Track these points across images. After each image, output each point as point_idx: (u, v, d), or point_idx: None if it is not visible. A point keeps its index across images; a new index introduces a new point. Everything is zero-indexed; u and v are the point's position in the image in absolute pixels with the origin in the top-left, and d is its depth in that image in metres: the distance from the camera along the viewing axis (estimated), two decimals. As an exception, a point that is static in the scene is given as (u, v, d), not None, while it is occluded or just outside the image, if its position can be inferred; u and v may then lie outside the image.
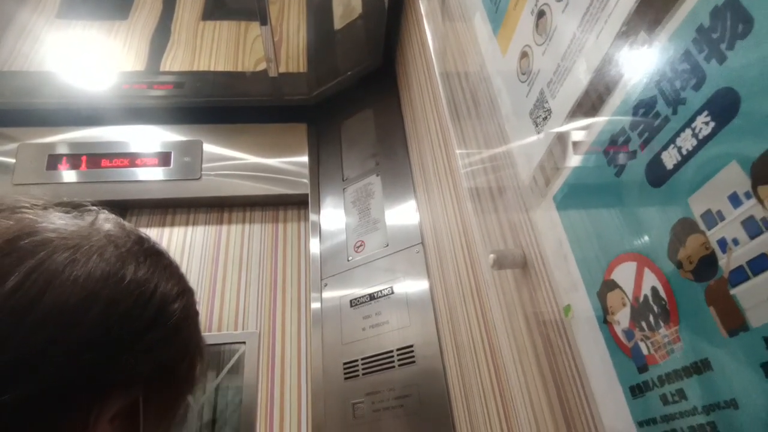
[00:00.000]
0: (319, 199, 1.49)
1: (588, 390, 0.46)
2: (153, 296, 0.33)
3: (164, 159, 1.51)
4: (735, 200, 0.28)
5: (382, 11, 1.40)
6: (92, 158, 1.48)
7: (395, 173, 1.37)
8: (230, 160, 1.55)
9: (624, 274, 0.38)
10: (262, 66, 1.57)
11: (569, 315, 0.48)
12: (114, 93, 1.54)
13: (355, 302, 1.25)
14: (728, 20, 0.28)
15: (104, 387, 0.30)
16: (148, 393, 0.33)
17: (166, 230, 1.49)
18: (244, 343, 1.35)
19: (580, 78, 0.43)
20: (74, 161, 1.48)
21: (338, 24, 1.53)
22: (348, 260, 1.33)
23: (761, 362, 0.26)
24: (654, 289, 0.35)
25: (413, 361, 1.10)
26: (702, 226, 0.30)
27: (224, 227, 1.53)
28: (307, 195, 1.50)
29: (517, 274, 0.64)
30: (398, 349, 1.13)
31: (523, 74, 0.55)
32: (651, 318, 0.35)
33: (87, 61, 1.54)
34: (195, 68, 1.59)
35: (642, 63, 0.35)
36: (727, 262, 0.29)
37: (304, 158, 1.57)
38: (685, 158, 0.31)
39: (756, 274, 0.27)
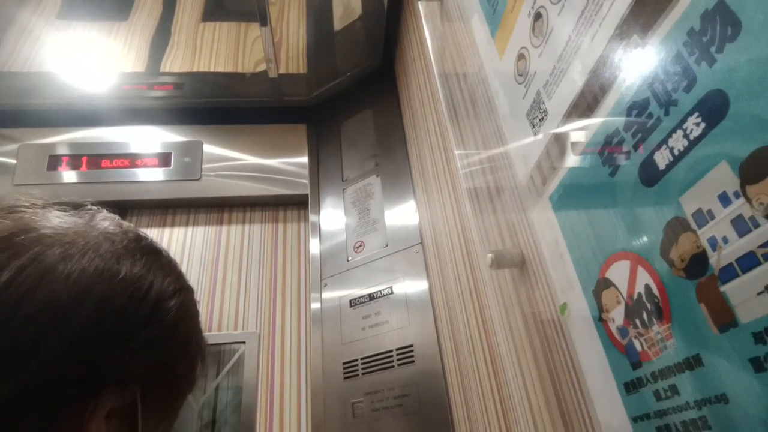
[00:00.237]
0: (319, 200, 1.50)
1: (584, 387, 0.46)
2: (148, 293, 0.33)
3: (164, 159, 1.52)
4: (725, 199, 0.28)
5: (381, 13, 1.41)
6: (93, 159, 1.49)
7: (395, 174, 1.38)
8: (230, 160, 1.56)
9: (618, 273, 0.39)
10: (261, 67, 1.58)
11: (565, 313, 0.49)
12: (114, 94, 1.55)
13: (354, 302, 1.26)
14: (718, 23, 0.28)
15: (98, 383, 0.29)
16: (146, 392, 0.32)
17: (166, 231, 1.50)
18: (243, 343, 1.35)
19: (575, 79, 0.44)
20: (75, 162, 1.48)
21: (338, 25, 1.54)
22: (348, 260, 1.34)
23: (750, 357, 0.27)
24: (647, 287, 0.36)
25: (412, 361, 1.10)
26: (693, 225, 0.31)
27: (224, 228, 1.53)
28: (306, 195, 1.51)
29: (515, 274, 0.64)
30: (397, 349, 1.13)
31: (520, 76, 0.56)
32: (644, 315, 0.36)
33: (87, 61, 1.54)
34: (195, 69, 1.60)
35: (635, 65, 0.36)
36: (717, 260, 0.29)
37: (304, 159, 1.57)
38: (677, 158, 0.32)
39: (745, 271, 0.27)
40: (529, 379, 0.60)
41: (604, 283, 0.41)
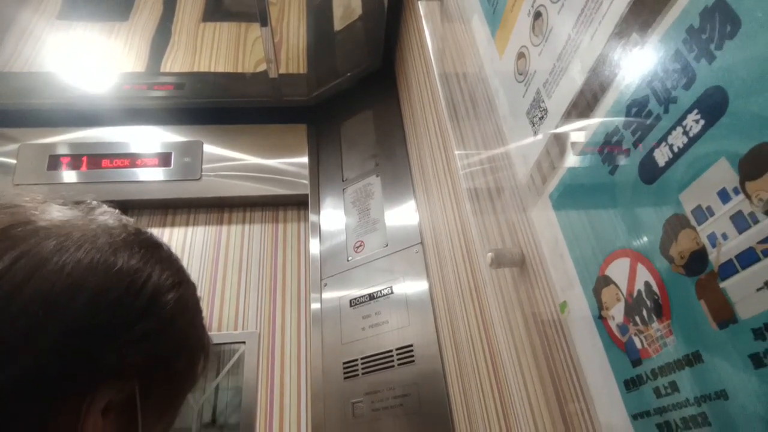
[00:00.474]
0: (319, 200, 1.50)
1: (584, 385, 0.46)
2: (145, 285, 0.33)
3: (164, 159, 1.52)
4: (724, 196, 0.28)
5: (381, 13, 1.41)
6: (93, 159, 1.49)
7: (395, 174, 1.38)
8: (230, 160, 1.56)
9: (618, 270, 0.39)
10: (262, 67, 1.58)
11: (565, 312, 0.49)
12: (114, 94, 1.55)
13: (354, 302, 1.26)
14: (717, 21, 0.28)
15: (94, 376, 0.29)
16: (145, 387, 0.32)
17: (167, 230, 1.50)
18: (244, 342, 1.35)
19: (575, 78, 0.44)
20: (75, 162, 1.48)
21: (338, 25, 1.54)
22: (348, 260, 1.34)
23: (749, 353, 0.27)
24: (647, 284, 0.36)
25: (412, 361, 1.10)
26: (693, 222, 0.31)
27: (224, 227, 1.53)
28: (306, 195, 1.51)
29: (515, 273, 0.64)
30: (397, 349, 1.13)
31: (520, 75, 0.56)
32: (644, 312, 0.36)
33: (88, 62, 1.54)
34: (195, 69, 1.60)
35: (635, 63, 0.36)
36: (716, 257, 0.29)
37: (304, 159, 1.57)
38: (677, 156, 0.32)
39: (744, 267, 0.27)
40: (529, 378, 0.60)
41: (604, 281, 0.41)
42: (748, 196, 0.27)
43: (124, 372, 0.31)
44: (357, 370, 1.17)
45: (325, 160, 1.57)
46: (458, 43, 0.85)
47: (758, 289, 0.26)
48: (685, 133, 0.31)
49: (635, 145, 0.36)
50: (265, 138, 1.61)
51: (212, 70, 1.63)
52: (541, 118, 0.51)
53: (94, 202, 0.37)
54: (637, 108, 0.36)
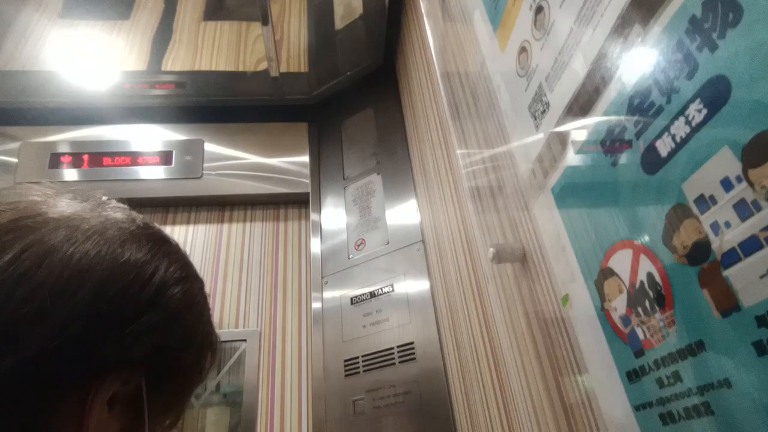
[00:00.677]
0: (320, 198, 1.50)
1: (586, 378, 0.46)
2: (152, 278, 0.33)
3: (166, 158, 1.52)
4: (727, 184, 0.28)
5: (382, 11, 1.41)
6: (94, 157, 1.49)
7: (396, 172, 1.38)
8: (231, 159, 1.56)
9: (620, 262, 0.39)
10: (263, 66, 1.58)
11: (567, 305, 0.49)
12: (116, 92, 1.55)
13: (355, 300, 1.26)
14: (719, 10, 0.28)
15: (99, 366, 0.29)
16: (151, 380, 0.32)
17: (168, 229, 1.50)
18: (245, 340, 1.35)
19: (577, 71, 0.44)
20: (76, 160, 1.49)
21: (339, 24, 1.55)
22: (349, 258, 1.34)
23: (753, 341, 0.27)
24: (650, 275, 0.36)
25: (413, 358, 1.10)
26: (695, 211, 0.31)
27: (225, 226, 1.53)
28: (307, 194, 1.51)
29: (516, 268, 0.65)
30: (399, 346, 1.13)
31: (522, 69, 0.56)
32: (647, 303, 0.36)
33: (89, 60, 1.55)
34: (196, 68, 1.60)
35: (637, 54, 0.36)
36: (719, 245, 0.29)
37: (305, 157, 1.58)
38: (679, 145, 0.32)
39: (747, 255, 0.27)
40: (531, 374, 0.60)
41: (606, 273, 0.41)
42: (751, 184, 0.27)
43: (130, 363, 0.31)
44: (358, 367, 1.17)
45: (326, 159, 1.57)
46: (460, 40, 0.85)
47: (761, 276, 0.26)
48: (688, 122, 0.31)
49: (637, 136, 0.36)
50: (266, 136, 1.61)
51: (213, 68, 1.63)
52: (543, 112, 0.51)
53: (104, 197, 0.37)
54: (639, 99, 0.36)
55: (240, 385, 1.30)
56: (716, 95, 0.29)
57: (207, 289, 0.41)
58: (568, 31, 0.45)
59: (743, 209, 0.27)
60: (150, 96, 1.57)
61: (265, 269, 1.47)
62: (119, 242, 0.33)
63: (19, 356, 0.27)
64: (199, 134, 1.58)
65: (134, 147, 1.53)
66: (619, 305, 0.40)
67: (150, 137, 1.56)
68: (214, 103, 1.62)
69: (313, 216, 1.47)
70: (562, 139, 0.48)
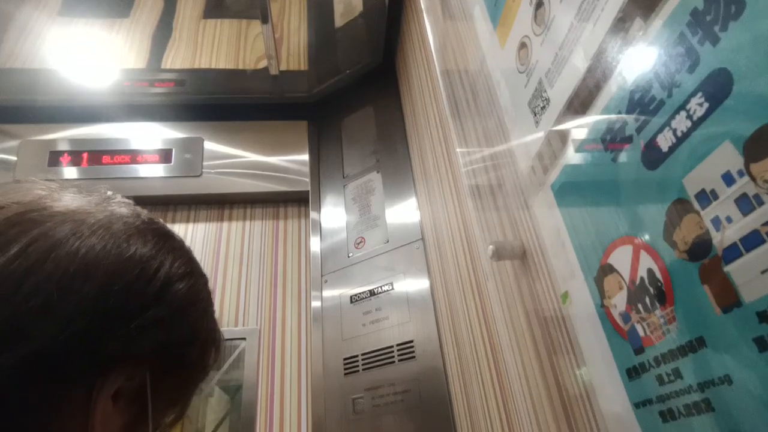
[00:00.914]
0: (320, 196, 1.50)
1: (585, 376, 0.46)
2: (157, 273, 0.33)
3: (165, 156, 1.52)
4: (728, 179, 0.28)
5: (382, 9, 1.41)
6: (93, 155, 1.49)
7: (396, 170, 1.38)
8: (231, 157, 1.56)
9: (621, 258, 0.39)
10: (263, 64, 1.58)
11: (567, 302, 0.49)
12: (115, 90, 1.55)
13: (355, 298, 1.25)
14: (721, 2, 0.28)
15: (104, 360, 0.29)
16: (155, 376, 0.32)
17: (167, 227, 1.49)
18: (244, 339, 1.35)
19: (577, 66, 0.44)
20: (76, 158, 1.48)
21: (339, 22, 1.54)
22: (348, 256, 1.33)
23: (754, 337, 0.27)
24: (650, 271, 0.35)
25: (413, 356, 1.10)
26: (696, 206, 0.31)
27: (225, 224, 1.53)
28: (307, 192, 1.51)
29: (516, 266, 0.64)
30: (398, 345, 1.13)
31: (522, 65, 0.55)
32: (647, 300, 0.36)
33: (88, 58, 1.55)
34: (196, 66, 1.60)
35: (638, 48, 0.36)
36: (720, 240, 0.29)
37: (305, 156, 1.57)
38: (680, 140, 0.32)
39: (749, 250, 0.27)
40: (531, 371, 0.60)
41: (607, 270, 0.41)
42: (753, 178, 0.27)
43: (135, 358, 0.31)
44: (357, 366, 1.17)
45: (325, 157, 1.57)
46: (459, 37, 0.85)
47: (763, 272, 0.26)
48: (689, 116, 0.31)
49: (638, 131, 0.36)
50: (266, 134, 1.61)
51: (213, 66, 1.63)
52: (543, 108, 0.51)
53: (109, 192, 0.37)
54: (640, 94, 0.36)
55: (239, 384, 1.29)
56: (718, 89, 0.29)
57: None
58: (569, 25, 0.45)
59: (745, 204, 0.27)
60: (149, 94, 1.57)
61: (265, 268, 1.46)
62: (125, 237, 0.33)
63: (25, 350, 0.27)
64: (198, 132, 1.58)
65: (134, 145, 1.53)
66: (619, 302, 0.39)
67: (149, 135, 1.56)
68: (213, 101, 1.62)
69: (313, 214, 1.47)
70: (562, 135, 0.48)
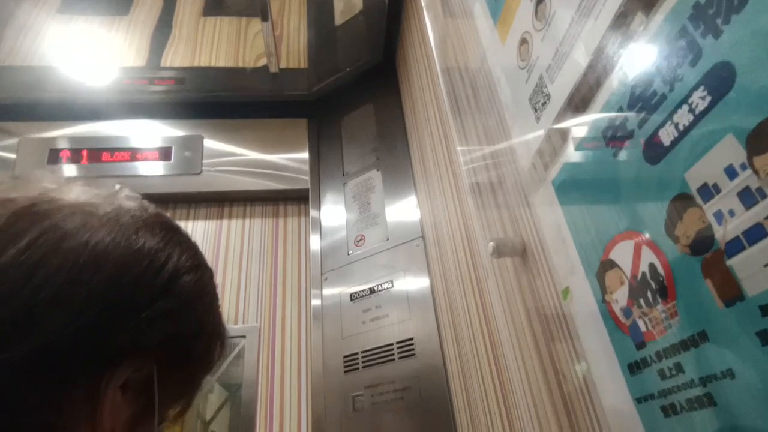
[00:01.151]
0: (320, 194, 1.50)
1: (586, 371, 0.46)
2: (165, 265, 0.33)
3: (165, 154, 1.51)
4: (731, 172, 0.28)
5: (382, 7, 1.40)
6: (93, 152, 1.49)
7: (396, 168, 1.37)
8: (231, 155, 1.56)
9: (622, 253, 0.39)
10: (262, 62, 1.58)
11: (568, 298, 0.49)
12: (115, 88, 1.55)
13: (355, 296, 1.25)
14: (724, -5, 0.28)
15: (113, 351, 0.30)
16: (162, 369, 0.33)
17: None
18: (244, 337, 1.35)
19: (578, 61, 0.44)
20: (75, 156, 1.48)
21: (339, 20, 1.54)
22: (348, 254, 1.33)
23: (757, 330, 0.27)
24: (652, 266, 0.35)
25: (413, 354, 1.10)
26: (699, 201, 0.31)
27: (225, 222, 1.53)
28: (307, 190, 1.51)
29: (516, 263, 0.64)
30: (398, 342, 1.13)
31: (522, 61, 0.55)
32: (649, 294, 0.36)
33: (88, 56, 1.54)
34: (196, 64, 1.60)
35: (639, 43, 0.36)
36: (723, 234, 0.29)
37: (305, 154, 1.57)
38: (682, 134, 0.32)
39: (752, 243, 0.27)
40: (531, 366, 0.60)
41: (608, 265, 0.41)
42: (755, 171, 0.26)
43: (143, 350, 0.32)
44: (357, 363, 1.17)
45: (325, 155, 1.57)
46: (460, 34, 0.85)
47: (766, 265, 0.26)
48: (691, 110, 0.31)
49: (640, 126, 0.36)
50: (266, 132, 1.60)
51: (213, 64, 1.63)
52: (544, 104, 0.51)
53: (117, 186, 0.37)
54: (641, 88, 0.36)
55: (239, 382, 1.29)
56: (721, 82, 0.28)
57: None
58: (570, 20, 0.45)
59: (748, 197, 0.27)
60: (149, 92, 1.57)
61: (265, 265, 1.46)
62: (133, 229, 0.33)
63: (35, 341, 0.27)
64: (198, 130, 1.58)
65: (133, 143, 1.52)
66: (620, 297, 0.39)
67: (149, 133, 1.55)
68: (213, 99, 1.62)
69: (313, 212, 1.47)
70: (563, 131, 0.47)
